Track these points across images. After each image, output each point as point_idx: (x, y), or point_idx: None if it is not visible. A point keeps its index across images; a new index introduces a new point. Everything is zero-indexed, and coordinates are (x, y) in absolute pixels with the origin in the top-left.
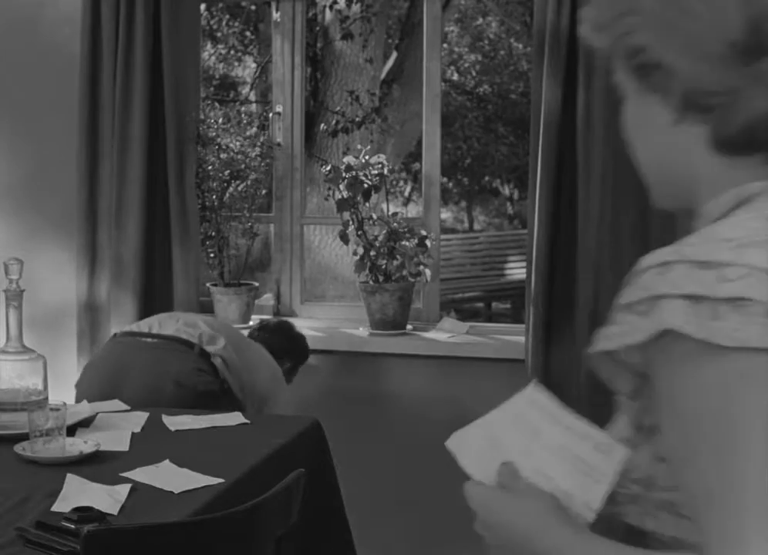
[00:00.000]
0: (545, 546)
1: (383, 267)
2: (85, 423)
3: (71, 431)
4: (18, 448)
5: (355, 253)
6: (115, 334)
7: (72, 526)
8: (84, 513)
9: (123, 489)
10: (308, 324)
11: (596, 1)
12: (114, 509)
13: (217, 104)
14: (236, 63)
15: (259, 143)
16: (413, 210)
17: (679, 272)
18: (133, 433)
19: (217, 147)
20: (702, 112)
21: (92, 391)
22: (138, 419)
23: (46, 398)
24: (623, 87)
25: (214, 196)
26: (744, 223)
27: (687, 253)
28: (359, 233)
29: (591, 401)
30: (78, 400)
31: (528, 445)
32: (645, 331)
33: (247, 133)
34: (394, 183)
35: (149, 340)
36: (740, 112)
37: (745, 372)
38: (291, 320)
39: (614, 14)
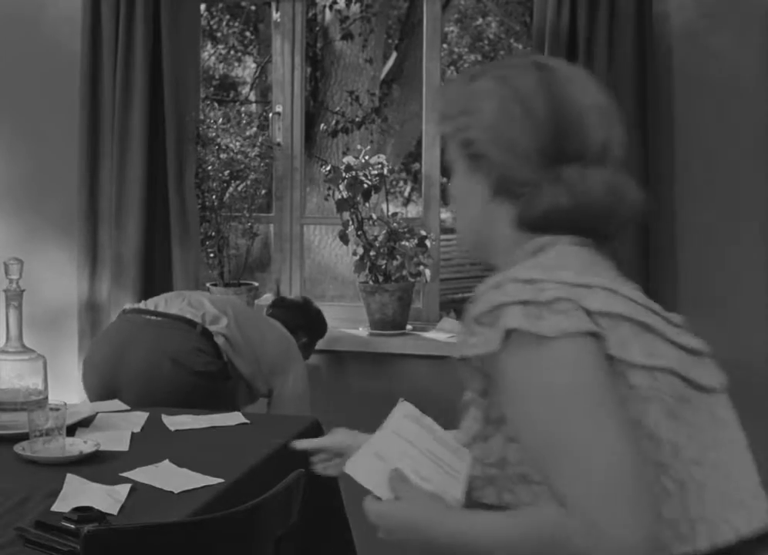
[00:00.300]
0: (439, 532)
1: (383, 267)
2: (85, 423)
3: (71, 431)
4: (18, 448)
5: (354, 253)
6: (124, 310)
7: (72, 526)
8: (84, 513)
9: (123, 489)
10: None
11: (445, 97)
12: (114, 509)
13: (216, 104)
14: (236, 63)
15: (259, 143)
16: (413, 211)
17: (511, 287)
18: (132, 433)
19: (216, 147)
20: (512, 197)
21: (97, 365)
22: (138, 419)
23: (46, 398)
24: (455, 165)
25: (214, 196)
26: (547, 258)
27: (514, 275)
28: (359, 233)
29: None
30: (85, 374)
31: (407, 453)
32: (494, 340)
33: (247, 133)
34: (394, 183)
35: (153, 318)
36: (541, 203)
37: (565, 353)
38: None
39: (455, 110)
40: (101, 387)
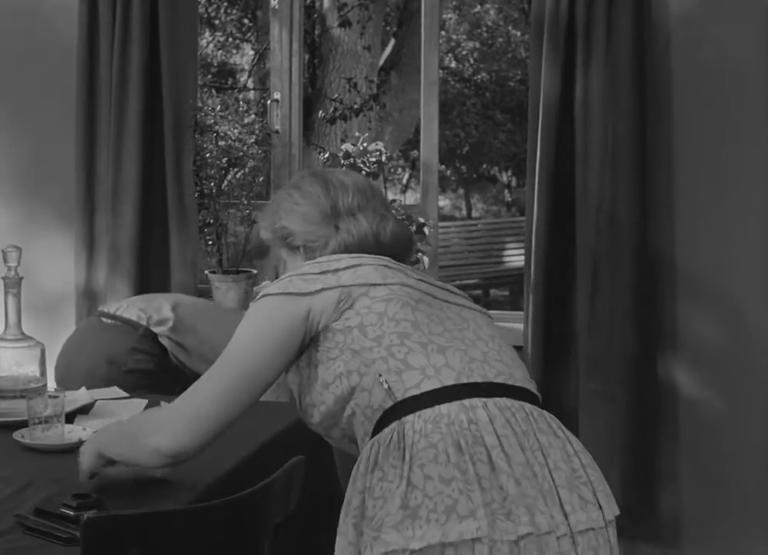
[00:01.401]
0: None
1: None
2: (84, 410)
3: (70, 418)
4: (17, 435)
5: None
6: (95, 312)
7: (72, 513)
8: (83, 500)
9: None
10: None
11: (261, 214)
12: None
13: (214, 91)
14: (234, 50)
15: (257, 131)
16: (411, 198)
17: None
18: None
19: (214, 135)
20: (312, 251)
21: (57, 366)
22: (137, 406)
23: (45, 386)
24: (283, 256)
25: (212, 184)
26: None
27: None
28: None
29: (586, 388)
30: (55, 379)
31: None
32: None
33: (245, 121)
34: (392, 170)
35: (107, 320)
36: (329, 246)
37: (264, 303)
38: None
39: (269, 219)
40: (58, 384)
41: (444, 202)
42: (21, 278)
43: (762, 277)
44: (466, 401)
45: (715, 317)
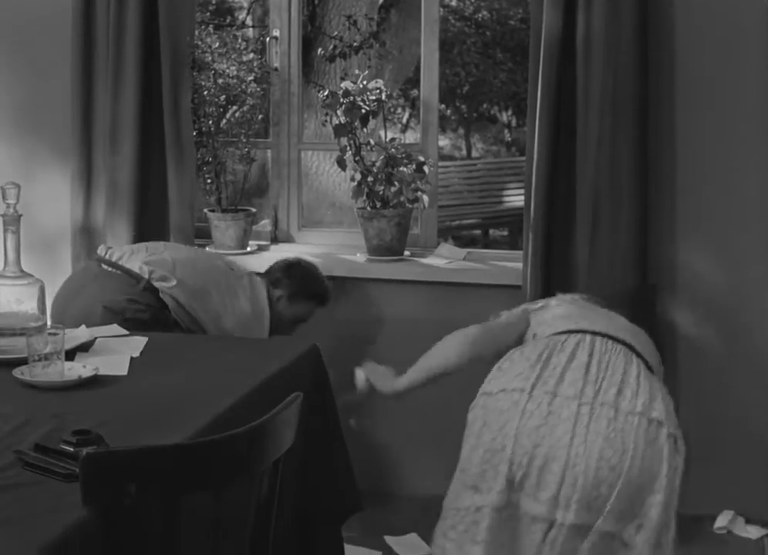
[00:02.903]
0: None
1: (381, 193)
2: (84, 348)
3: (70, 355)
4: (17, 372)
5: (352, 179)
6: (93, 255)
7: (71, 449)
8: (83, 436)
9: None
10: (305, 250)
11: None
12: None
13: (212, 29)
14: None
15: (255, 68)
16: (411, 138)
17: None
18: (131, 358)
19: (213, 72)
20: None
21: (52, 306)
22: (137, 344)
23: (45, 323)
24: None
25: (211, 122)
26: None
27: None
28: (357, 158)
29: None
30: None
31: None
32: None
33: (244, 58)
34: (392, 110)
35: (107, 268)
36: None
37: None
38: (289, 245)
39: None
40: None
41: (444, 142)
42: (21, 216)
43: (762, 214)
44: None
45: (713, 256)
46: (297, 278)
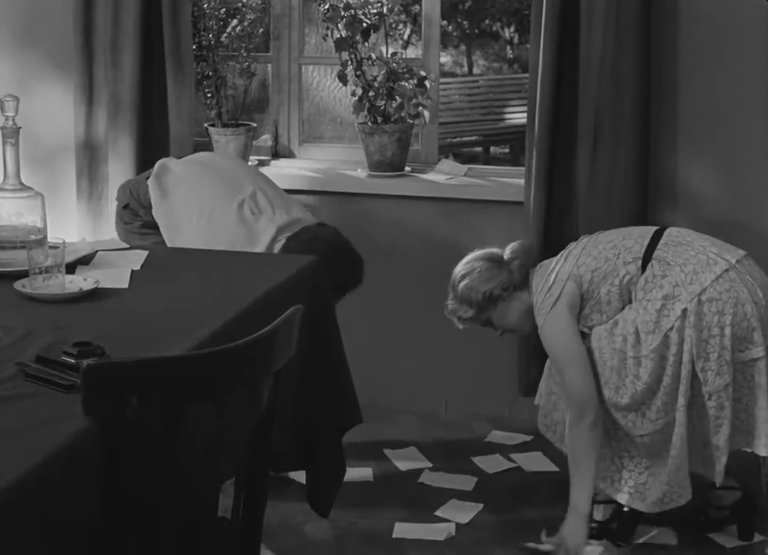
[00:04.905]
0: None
1: (382, 108)
2: (85, 261)
3: (70, 268)
4: (18, 285)
5: (353, 94)
6: None
7: (72, 361)
8: (84, 348)
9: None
10: (306, 166)
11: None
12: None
13: None
14: None
15: None
16: (412, 54)
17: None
18: (132, 271)
19: None
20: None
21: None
22: (137, 257)
23: (45, 236)
24: (500, 309)
25: (211, 36)
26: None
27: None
28: (358, 73)
29: None
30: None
31: None
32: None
33: None
34: (393, 26)
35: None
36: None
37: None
38: (290, 160)
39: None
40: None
41: (445, 58)
42: (20, 128)
43: (763, 129)
44: None
45: (715, 174)
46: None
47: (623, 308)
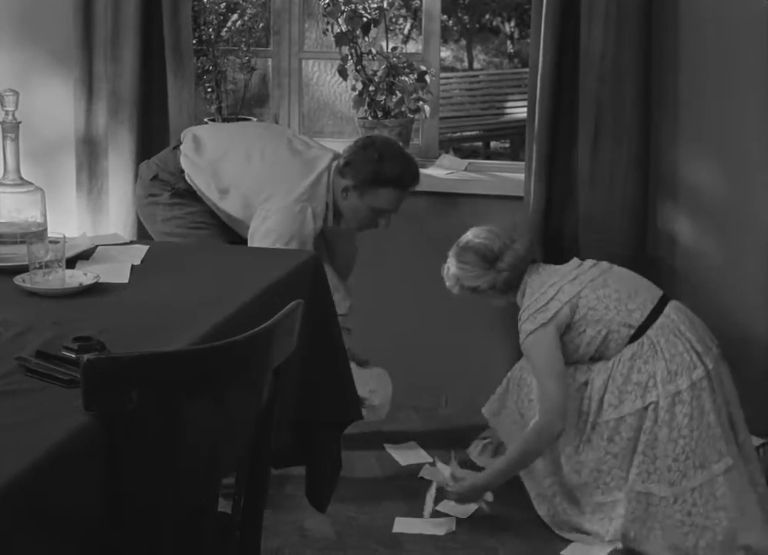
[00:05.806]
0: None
1: (382, 102)
2: (85, 256)
3: (70, 263)
4: (18, 280)
5: (353, 89)
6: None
7: (72, 356)
8: (84, 343)
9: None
10: None
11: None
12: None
13: None
14: None
15: None
16: (413, 49)
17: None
18: (132, 266)
19: None
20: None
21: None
22: (138, 252)
23: (45, 231)
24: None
25: (211, 30)
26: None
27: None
28: (358, 68)
29: (586, 239)
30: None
31: None
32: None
33: None
34: (393, 20)
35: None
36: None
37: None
38: None
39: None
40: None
41: (446, 53)
42: (20, 122)
43: (763, 123)
44: None
45: (715, 168)
46: (362, 163)
47: (594, 355)
